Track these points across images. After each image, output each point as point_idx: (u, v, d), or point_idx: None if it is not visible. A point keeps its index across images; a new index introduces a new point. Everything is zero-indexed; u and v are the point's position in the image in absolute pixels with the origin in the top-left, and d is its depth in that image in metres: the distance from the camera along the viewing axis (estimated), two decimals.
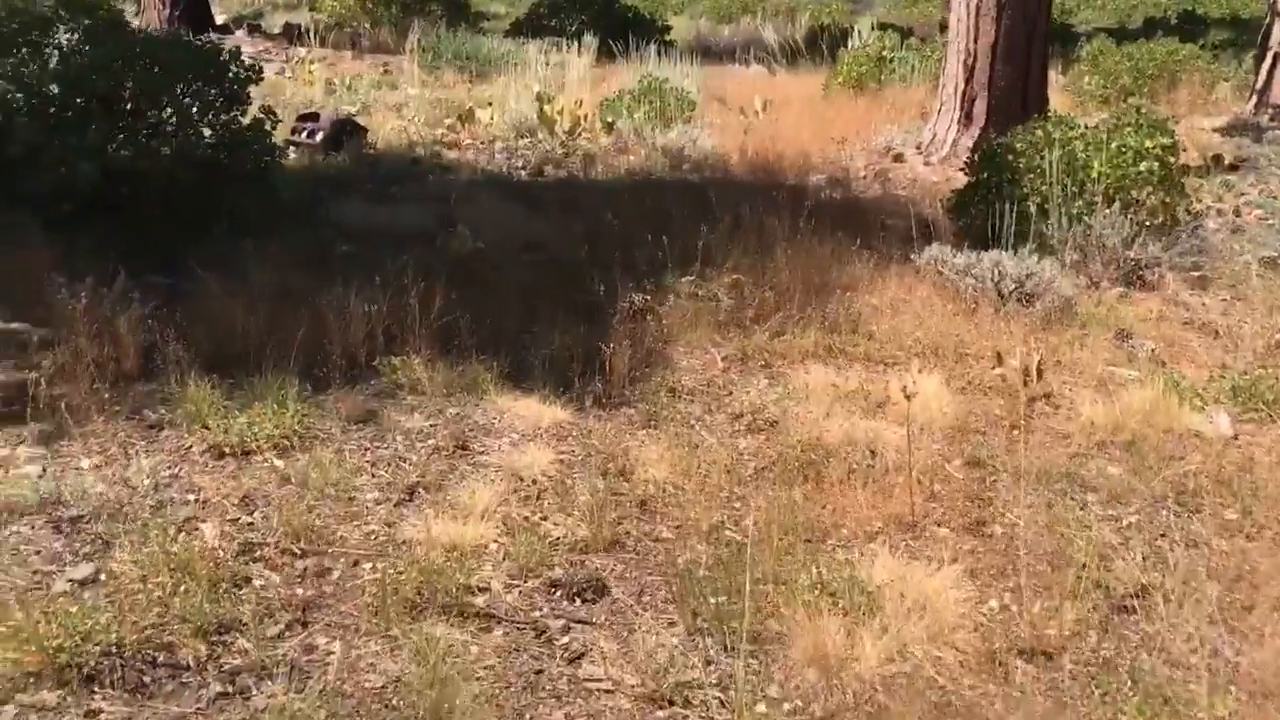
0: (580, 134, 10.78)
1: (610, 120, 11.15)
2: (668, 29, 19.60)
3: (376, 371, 5.06)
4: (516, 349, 5.41)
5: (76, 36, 7.04)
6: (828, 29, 19.97)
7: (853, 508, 4.09)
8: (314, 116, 10.40)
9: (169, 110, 6.87)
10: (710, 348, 5.74)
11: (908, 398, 4.10)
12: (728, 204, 7.83)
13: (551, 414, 4.79)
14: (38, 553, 3.64)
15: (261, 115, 7.44)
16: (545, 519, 4.02)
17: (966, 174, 8.01)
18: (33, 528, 3.77)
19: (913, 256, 7.00)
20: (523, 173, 9.97)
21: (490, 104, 11.55)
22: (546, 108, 10.86)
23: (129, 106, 6.70)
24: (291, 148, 10.15)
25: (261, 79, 7.64)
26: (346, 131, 10.05)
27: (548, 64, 14.43)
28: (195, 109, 6.90)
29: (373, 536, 3.87)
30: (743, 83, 15.20)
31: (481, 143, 11.03)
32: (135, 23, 18.28)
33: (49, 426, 4.43)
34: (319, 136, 10.03)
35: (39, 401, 4.54)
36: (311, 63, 15.42)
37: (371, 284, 5.65)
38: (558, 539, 3.89)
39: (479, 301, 6.09)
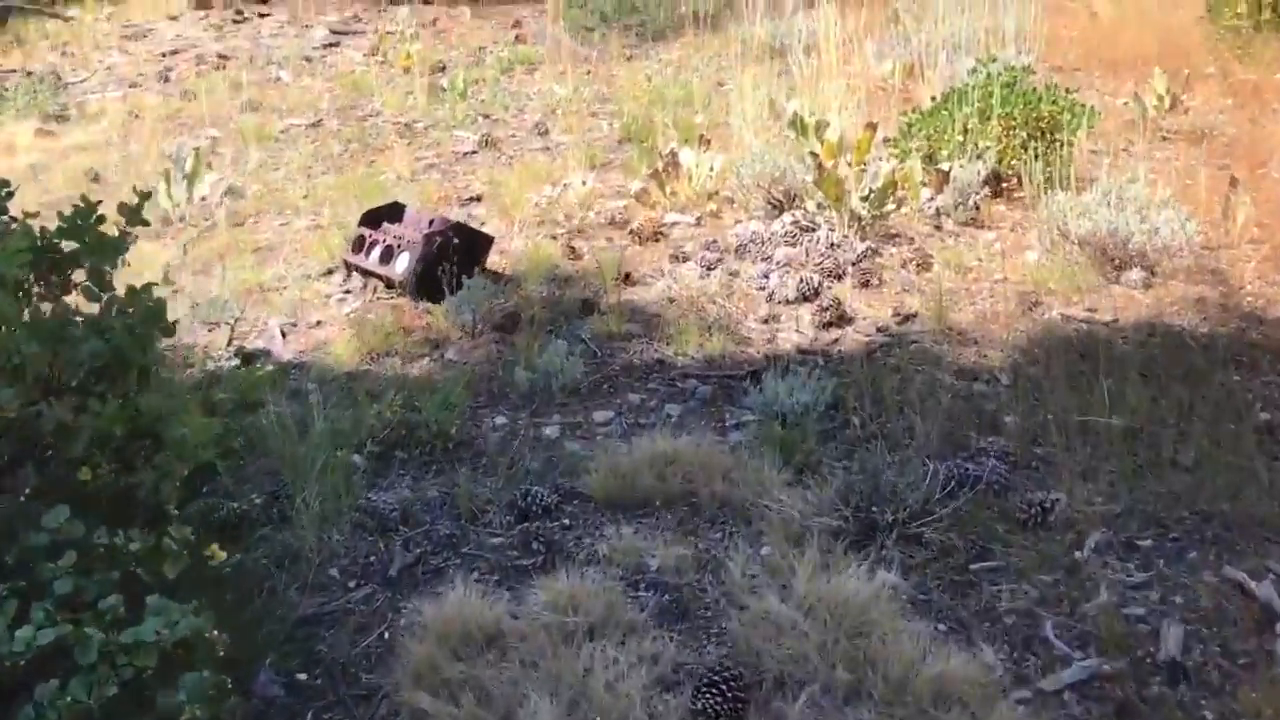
0: (890, 198, 5.37)
1: (937, 162, 5.72)
2: None
3: None
4: None
5: None
6: None
7: None
8: (393, 213, 5.28)
9: None
10: None
11: None
12: None
13: None
14: None
15: None
16: None
17: None
18: None
19: None
20: (806, 321, 4.69)
21: (704, 138, 6.19)
22: (819, 151, 5.47)
23: None
24: (353, 275, 5.11)
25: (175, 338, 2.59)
26: (454, 247, 4.89)
27: (767, 15, 8.87)
28: None
29: None
30: (1052, 26, 9.35)
31: (698, 220, 5.76)
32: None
33: None
34: (401, 265, 4.93)
35: None
36: (413, 38, 10.24)
37: None
38: None
39: None
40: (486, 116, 8.08)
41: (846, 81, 7.16)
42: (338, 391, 4.12)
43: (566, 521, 3.31)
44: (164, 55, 10.69)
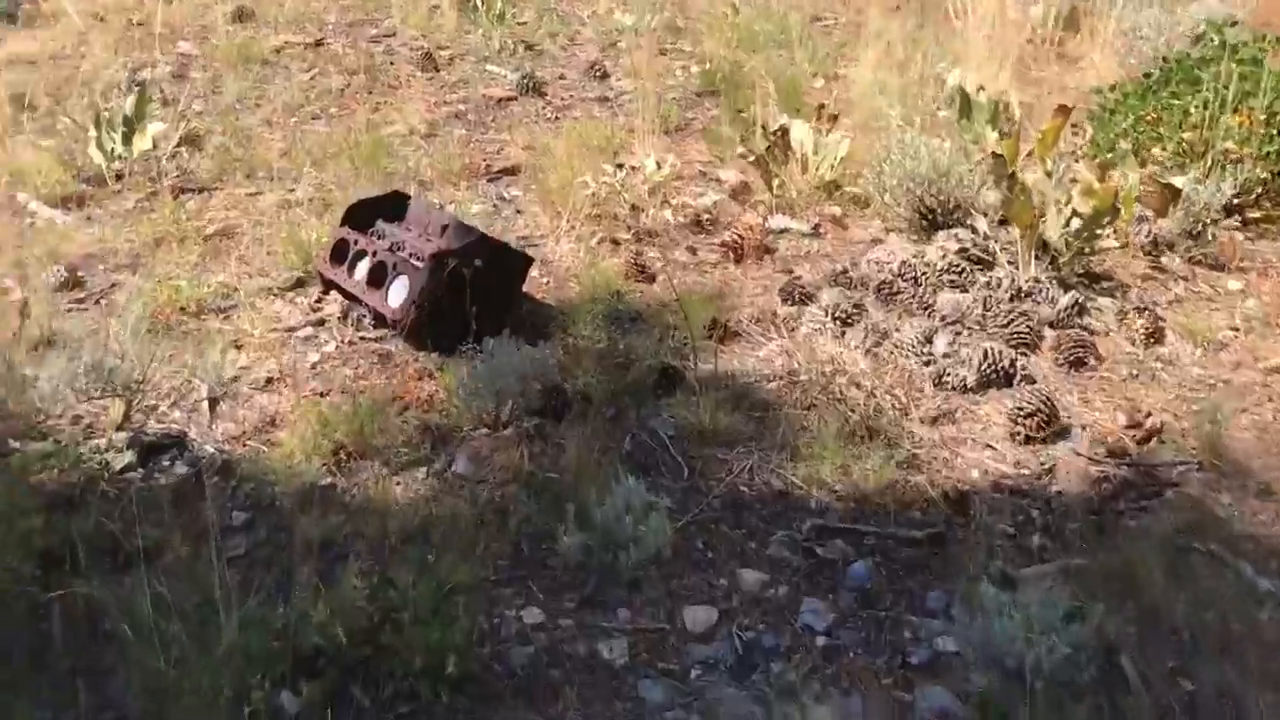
0: (1105, 232, 3.66)
1: (1146, 165, 4.01)
2: None
3: None
4: None
5: None
6: None
7: None
8: (392, 206, 3.61)
9: None
10: None
11: None
12: None
13: None
14: None
15: None
16: None
17: None
18: None
19: None
20: (998, 428, 3.04)
21: (825, 110, 4.44)
22: (999, 149, 3.77)
23: None
24: (330, 295, 3.48)
25: None
26: (476, 274, 3.21)
27: None
28: None
29: None
30: None
31: (815, 229, 4.09)
32: None
33: None
34: (396, 295, 3.28)
35: None
36: None
37: None
38: None
39: None
40: (529, 47, 6.32)
41: (984, 32, 5.37)
42: (275, 535, 2.54)
43: None
44: None
